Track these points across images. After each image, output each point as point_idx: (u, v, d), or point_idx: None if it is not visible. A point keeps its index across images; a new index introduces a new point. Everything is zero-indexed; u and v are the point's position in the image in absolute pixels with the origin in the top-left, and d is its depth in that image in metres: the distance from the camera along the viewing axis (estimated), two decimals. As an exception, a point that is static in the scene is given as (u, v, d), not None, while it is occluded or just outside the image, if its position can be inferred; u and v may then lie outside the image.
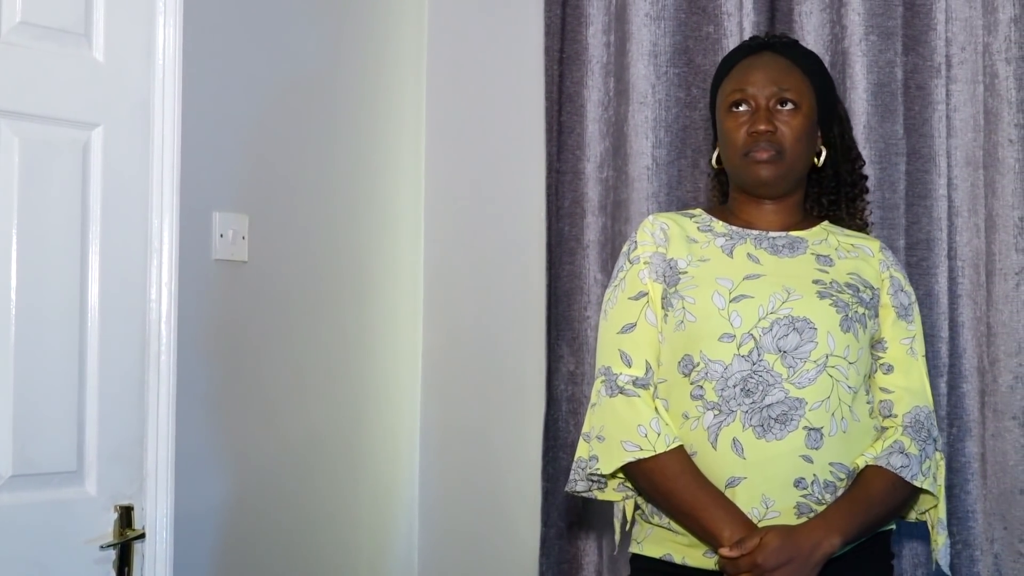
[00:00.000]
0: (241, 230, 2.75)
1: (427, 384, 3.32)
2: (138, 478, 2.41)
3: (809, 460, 2.04)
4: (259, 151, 2.82)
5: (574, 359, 2.99)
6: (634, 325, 2.18)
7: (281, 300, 2.89)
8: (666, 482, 2.07)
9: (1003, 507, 2.57)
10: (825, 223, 2.28)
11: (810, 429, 2.04)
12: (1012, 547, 2.56)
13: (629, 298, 2.20)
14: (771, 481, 2.03)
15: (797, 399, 2.04)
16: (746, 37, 2.77)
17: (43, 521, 2.29)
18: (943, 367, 2.64)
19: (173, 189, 2.47)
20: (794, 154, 2.18)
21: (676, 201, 2.87)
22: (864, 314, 2.12)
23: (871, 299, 2.16)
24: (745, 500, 2.04)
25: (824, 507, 2.04)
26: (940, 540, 2.17)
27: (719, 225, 2.23)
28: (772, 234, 2.21)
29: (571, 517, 3.01)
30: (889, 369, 2.16)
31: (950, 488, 2.62)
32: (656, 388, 2.15)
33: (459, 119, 3.32)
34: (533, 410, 3.08)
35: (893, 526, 2.20)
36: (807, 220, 2.27)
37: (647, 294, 2.19)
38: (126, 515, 2.38)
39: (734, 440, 2.05)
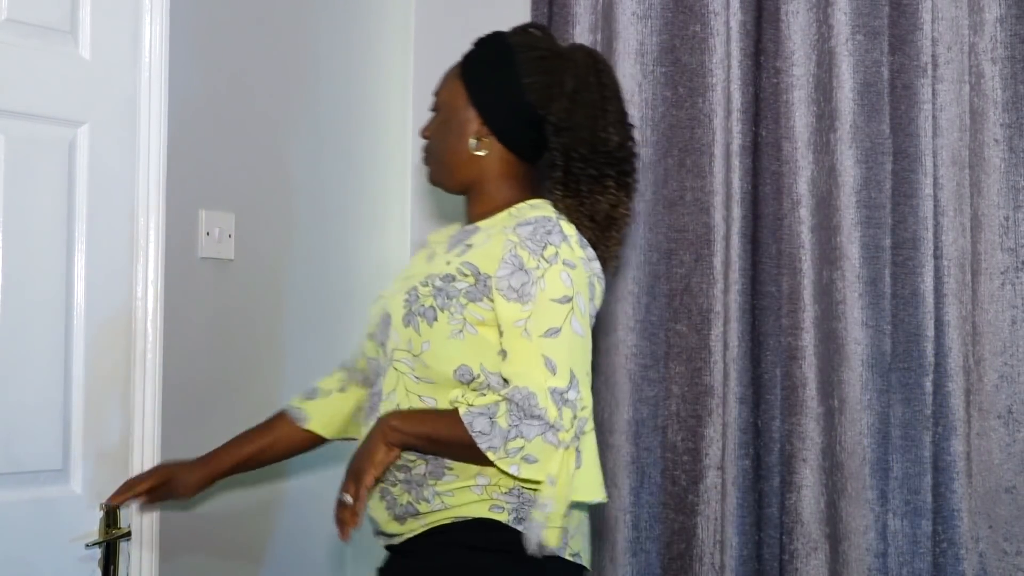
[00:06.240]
0: (227, 228, 2.74)
1: (413, 383, 3.31)
2: (124, 476, 2.41)
3: None
4: (245, 149, 2.81)
5: (560, 358, 2.98)
6: None
7: (268, 298, 2.88)
8: None
9: (988, 506, 2.58)
10: (517, 206, 2.18)
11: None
12: (997, 546, 2.57)
13: None
14: None
15: (378, 391, 2.17)
16: (733, 36, 2.78)
17: (28, 519, 2.29)
18: (929, 366, 2.65)
19: (159, 187, 2.47)
20: (434, 152, 2.28)
21: (662, 200, 2.87)
22: (432, 307, 2.08)
23: (470, 287, 2.08)
24: None
25: (399, 486, 2.11)
26: (534, 515, 2.00)
27: (454, 227, 2.31)
28: (467, 228, 2.24)
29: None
30: (504, 355, 2.06)
31: (936, 487, 2.62)
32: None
33: (446, 117, 3.31)
34: (519, 409, 3.07)
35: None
36: (503, 207, 2.20)
37: None
38: (111, 514, 2.38)
39: (364, 421, 2.20)
